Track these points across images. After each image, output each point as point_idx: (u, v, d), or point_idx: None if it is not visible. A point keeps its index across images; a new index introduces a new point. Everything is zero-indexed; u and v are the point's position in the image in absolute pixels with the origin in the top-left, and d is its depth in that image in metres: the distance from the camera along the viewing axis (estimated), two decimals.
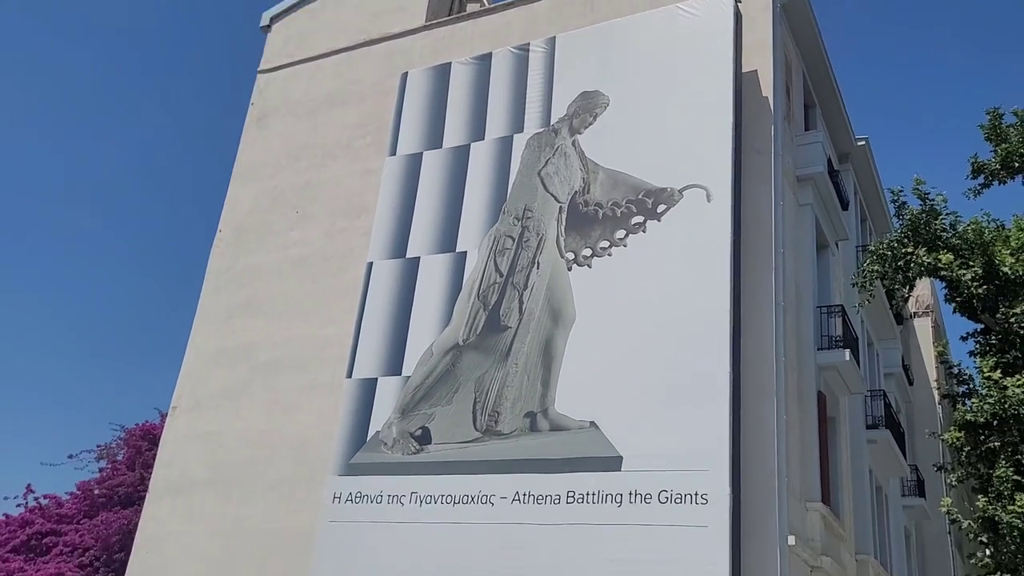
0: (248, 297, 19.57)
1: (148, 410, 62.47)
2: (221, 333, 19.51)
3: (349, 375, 16.10)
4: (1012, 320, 14.63)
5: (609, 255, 14.52)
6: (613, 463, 13.01)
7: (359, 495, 14.84)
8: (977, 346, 16.35)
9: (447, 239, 16.23)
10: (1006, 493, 14.13)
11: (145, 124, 69.85)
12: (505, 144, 16.40)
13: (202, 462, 18.10)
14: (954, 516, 15.22)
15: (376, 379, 15.75)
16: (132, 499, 24.77)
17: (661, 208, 14.38)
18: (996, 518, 13.92)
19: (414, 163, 17.37)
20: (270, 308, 19.08)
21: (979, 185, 15.79)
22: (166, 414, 20.59)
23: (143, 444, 26.10)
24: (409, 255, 16.51)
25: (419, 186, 17.04)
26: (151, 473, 19.55)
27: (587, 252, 14.73)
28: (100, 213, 67.61)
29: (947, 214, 15.21)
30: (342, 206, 19.34)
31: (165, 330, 66.56)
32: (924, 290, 29.89)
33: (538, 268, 14.99)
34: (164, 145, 70.72)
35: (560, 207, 15.31)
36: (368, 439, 15.26)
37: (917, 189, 15.40)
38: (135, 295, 69.12)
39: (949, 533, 27.37)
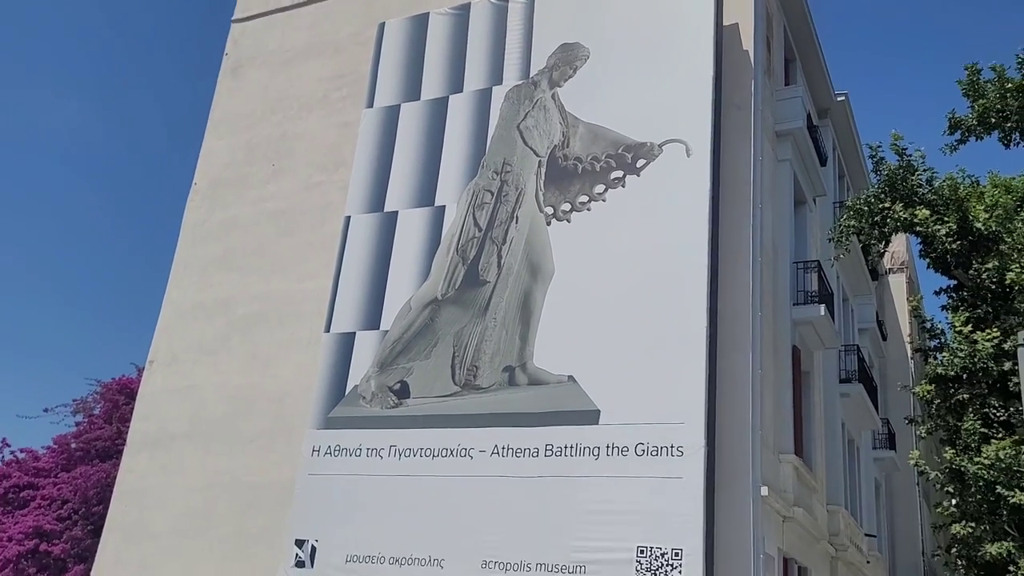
0: (225, 251, 19.41)
1: (124, 364, 62.19)
2: (198, 287, 19.37)
3: (327, 329, 16.07)
4: (984, 275, 14.85)
5: (588, 209, 14.48)
6: (591, 417, 13.12)
7: (338, 448, 14.91)
8: (950, 301, 16.63)
9: (425, 193, 16.11)
10: (972, 445, 14.48)
11: (118, 74, 68.48)
12: (484, 96, 16.22)
13: (180, 416, 18.10)
14: (922, 468, 15.59)
15: (354, 333, 15.74)
16: (109, 453, 24.76)
17: (640, 163, 14.33)
18: (962, 469, 14.29)
19: (391, 115, 17.16)
20: (247, 262, 18.95)
21: (956, 141, 15.86)
22: (143, 368, 20.52)
23: (120, 398, 26.02)
24: (387, 209, 16.40)
25: (397, 139, 16.85)
26: (128, 427, 19.53)
27: (566, 206, 14.68)
28: (73, 165, 66.56)
29: (924, 170, 15.34)
30: (319, 159, 19.13)
31: (141, 284, 66.16)
32: (899, 246, 30.17)
33: (517, 222, 14.94)
34: (138, 96, 69.44)
35: (539, 161, 15.21)
36: (347, 393, 15.29)
37: (895, 144, 15.49)
38: (110, 249, 68.43)
39: (917, 484, 28.05)
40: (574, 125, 15.12)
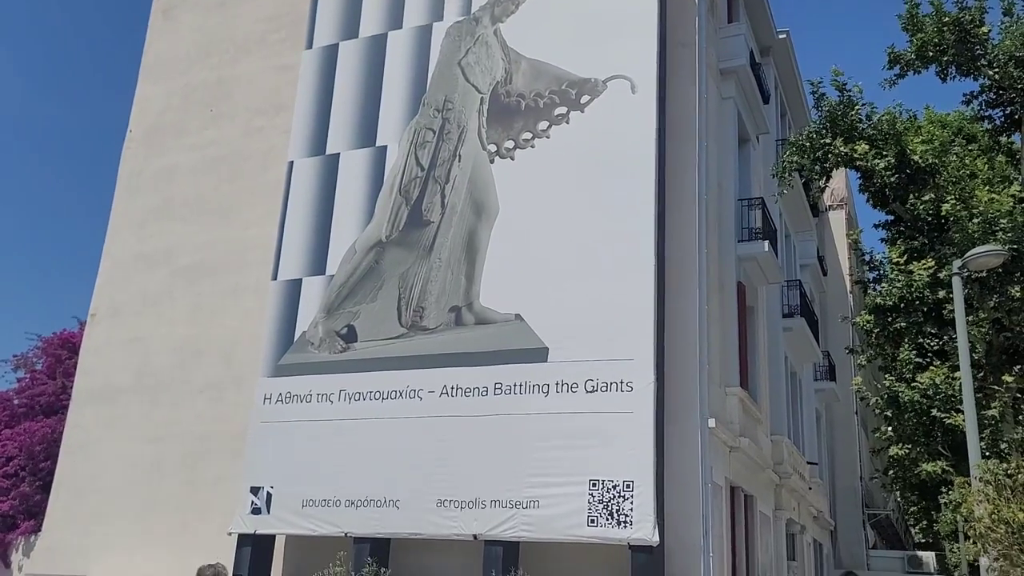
0: (164, 200, 18.98)
1: (66, 318, 60.85)
2: (138, 238, 18.96)
3: (274, 277, 15.87)
4: (920, 208, 15.20)
5: (532, 147, 14.37)
6: (539, 354, 13.22)
7: (289, 395, 14.86)
8: (888, 235, 17.03)
9: (366, 133, 15.83)
10: (907, 375, 15.01)
11: (44, 19, 65.54)
12: (424, 33, 15.89)
13: (126, 369, 17.85)
14: (863, 394, 16.09)
15: (301, 280, 15.57)
16: (54, 408, 24.34)
17: (584, 99, 14.23)
18: (900, 395, 14.79)
19: (331, 55, 16.75)
20: (188, 211, 18.56)
21: (895, 76, 16.07)
22: (84, 322, 20.11)
23: (62, 353, 25.49)
24: (329, 151, 16.10)
25: (336, 79, 16.49)
26: (72, 382, 19.19)
27: (509, 144, 14.55)
28: (1, 114, 63.89)
29: (863, 105, 15.52)
30: (259, 103, 18.69)
31: (80, 236, 64.33)
32: (839, 183, 30.74)
33: (459, 161, 14.79)
34: (67, 42, 66.70)
35: (481, 98, 15.00)
36: (295, 340, 15.18)
37: (835, 80, 15.65)
38: (46, 200, 66.29)
39: (856, 413, 29.07)
40: (516, 61, 14.93)
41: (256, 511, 14.45)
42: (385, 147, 15.54)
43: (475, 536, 12.75)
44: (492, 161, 14.55)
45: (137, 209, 19.23)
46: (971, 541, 10.28)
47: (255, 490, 14.58)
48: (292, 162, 16.48)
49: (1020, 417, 14.62)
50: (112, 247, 19.28)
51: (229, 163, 18.49)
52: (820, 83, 15.96)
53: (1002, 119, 16.33)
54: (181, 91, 19.83)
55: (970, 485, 10.31)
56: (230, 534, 14.49)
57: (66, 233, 66.08)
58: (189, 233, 18.29)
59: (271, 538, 14.59)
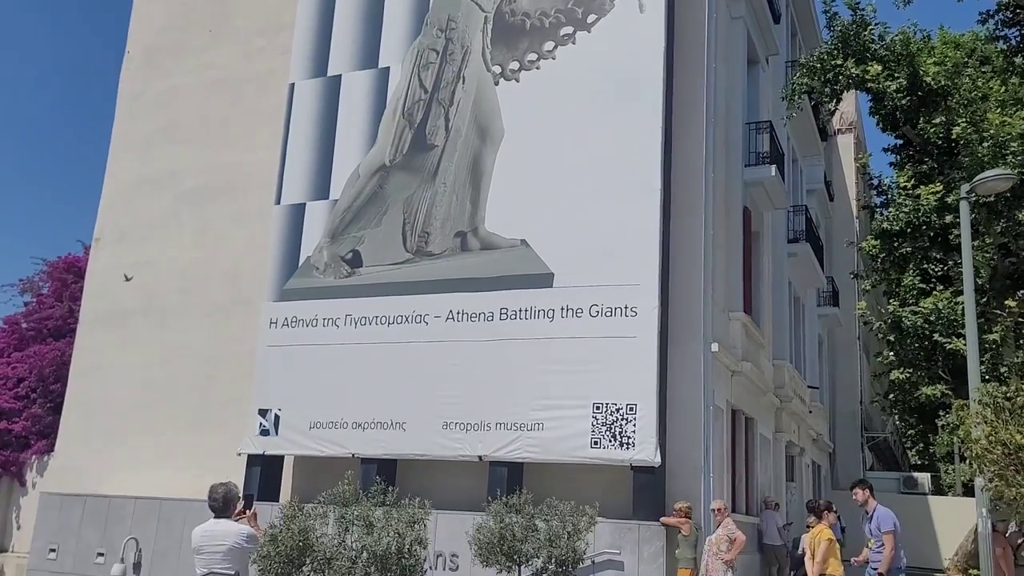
0: (167, 122, 18.80)
1: (71, 242, 60.91)
2: (141, 161, 18.84)
3: (277, 201, 15.82)
4: (931, 131, 14.98)
5: (538, 68, 14.10)
6: (545, 280, 13.25)
7: (295, 319, 14.97)
8: (897, 159, 16.83)
9: (368, 54, 15.55)
10: (910, 300, 15.04)
11: None
12: None
13: (134, 292, 17.96)
14: (867, 318, 16.14)
15: (304, 204, 15.52)
16: (62, 331, 24.56)
17: (591, 18, 13.91)
18: (902, 320, 14.85)
19: None
20: (191, 134, 18.40)
21: None
22: (90, 246, 20.14)
23: (68, 277, 25.58)
24: (331, 73, 15.85)
25: None
26: (80, 305, 19.33)
27: (514, 65, 14.29)
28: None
29: (876, 24, 15.15)
30: (259, 24, 18.34)
31: (82, 159, 63.85)
32: (848, 106, 30.25)
33: (464, 83, 14.55)
34: None
35: (485, 17, 14.66)
36: (300, 264, 15.22)
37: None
38: (45, 122, 65.65)
39: (858, 339, 29.25)
40: None
41: (264, 432, 14.73)
42: (388, 68, 15.28)
43: (480, 457, 13.01)
44: (497, 83, 14.31)
45: (139, 132, 19.06)
46: (967, 462, 10.46)
47: (263, 412, 14.82)
48: (293, 84, 16.24)
49: (1021, 341, 14.69)
50: (115, 170, 19.18)
51: (230, 85, 18.25)
52: (833, 2, 15.55)
53: (1018, 39, 15.95)
54: (180, 9, 19.45)
55: (969, 408, 10.41)
56: (240, 455, 14.80)
57: (69, 156, 65.66)
58: (192, 156, 18.17)
59: (280, 459, 14.91)
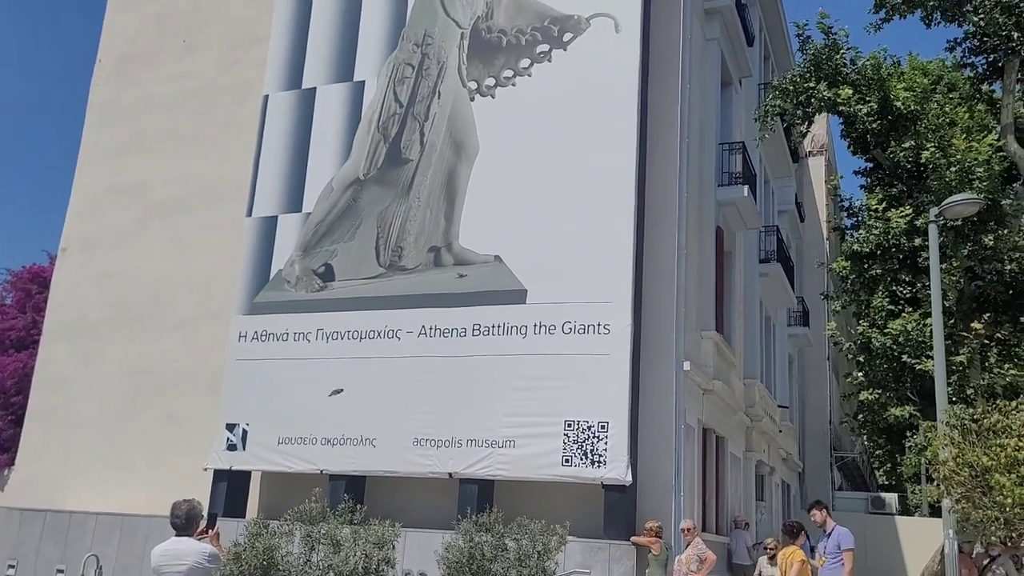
0: (138, 132, 18.59)
1: (35, 252, 59.98)
2: (110, 170, 18.61)
3: (249, 213, 15.67)
4: (900, 155, 15.20)
5: (513, 85, 14.13)
6: (518, 296, 13.22)
7: (265, 333, 14.80)
8: (867, 181, 17.06)
9: (344, 68, 15.50)
10: (879, 322, 15.20)
11: None
12: None
13: (100, 303, 17.68)
14: (837, 339, 16.27)
15: (277, 217, 15.38)
16: (25, 343, 24.15)
17: (567, 36, 13.97)
18: (871, 341, 14.99)
19: None
20: (162, 144, 18.21)
21: (880, 20, 15.87)
22: (55, 256, 19.83)
23: (32, 287, 25.19)
24: (305, 85, 15.77)
25: (313, 11, 16.07)
26: (43, 316, 19.00)
27: (490, 81, 14.31)
28: None
29: (848, 49, 15.37)
30: (234, 35, 18.24)
31: (48, 167, 62.98)
32: (820, 129, 30.66)
33: (439, 98, 14.53)
34: None
35: (462, 33, 14.68)
36: (271, 277, 15.07)
37: (821, 23, 15.44)
38: (9, 130, 64.72)
39: (828, 358, 29.50)
40: None
41: (232, 447, 14.51)
42: (363, 82, 15.24)
43: (451, 474, 12.90)
44: (472, 99, 14.31)
45: (109, 141, 18.84)
46: (935, 483, 10.54)
47: (231, 427, 14.61)
48: (267, 96, 16.14)
49: (987, 364, 14.88)
50: (83, 179, 18.92)
51: (203, 96, 18.10)
52: (806, 26, 15.77)
53: (984, 67, 16.24)
54: (153, 19, 19.29)
55: (936, 429, 10.51)
56: (206, 470, 14.57)
57: (35, 165, 64.78)
58: (163, 167, 17.97)
59: (247, 474, 14.69)
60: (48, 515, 15.85)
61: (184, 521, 6.22)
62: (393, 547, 9.93)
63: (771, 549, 12.75)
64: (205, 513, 6.48)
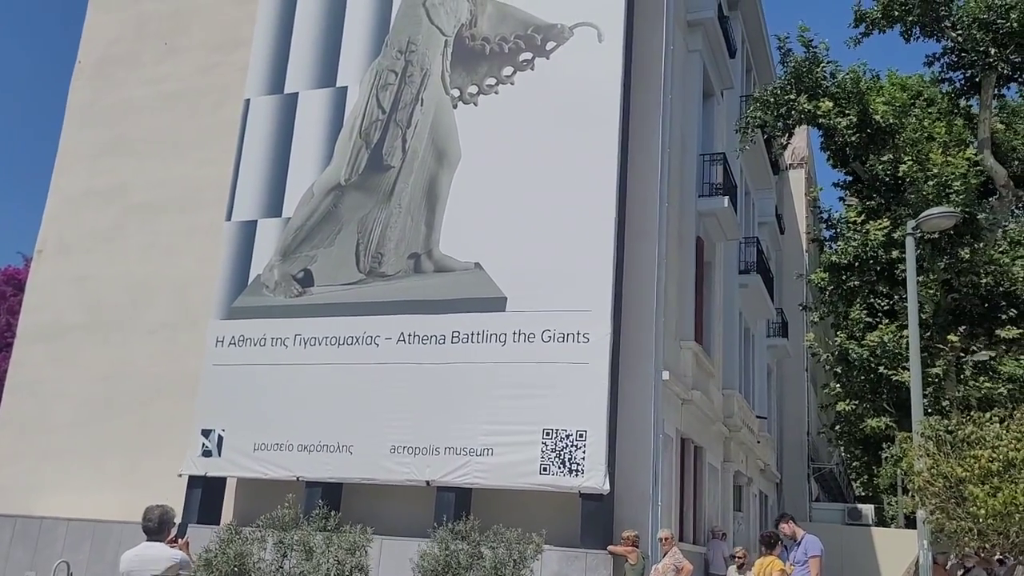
0: (117, 135, 18.43)
1: (10, 254, 59.30)
2: (88, 173, 18.43)
3: (228, 217, 15.56)
4: (879, 168, 15.34)
5: (496, 93, 14.14)
6: (498, 304, 13.19)
7: (242, 338, 14.68)
8: (846, 194, 17.21)
9: (327, 73, 15.45)
10: (857, 334, 15.31)
11: None
12: None
13: (76, 306, 17.48)
14: (815, 350, 16.37)
15: (256, 221, 15.28)
16: None
17: (550, 45, 14.00)
18: (849, 352, 15.09)
19: None
20: (142, 147, 18.06)
21: (860, 34, 16.07)
22: (31, 258, 19.61)
23: (7, 289, 24.90)
24: (287, 90, 15.71)
25: (296, 15, 16.01)
26: (18, 319, 18.76)
27: (473, 89, 14.31)
28: None
29: (828, 62, 15.53)
30: (216, 38, 18.13)
31: (24, 168, 62.35)
32: (800, 142, 30.91)
33: (422, 105, 14.52)
34: None
35: (445, 40, 14.69)
36: (250, 282, 14.96)
37: (802, 36, 15.60)
38: None
39: (806, 370, 29.68)
40: (482, 4, 14.60)
41: (207, 453, 14.37)
42: (346, 88, 15.19)
43: (428, 482, 12.83)
44: (455, 106, 14.30)
45: (88, 143, 18.66)
46: (910, 495, 10.60)
47: (206, 432, 14.47)
48: (248, 100, 16.06)
49: (963, 376, 15.01)
50: (61, 182, 18.73)
51: (184, 99, 17.98)
52: (787, 39, 15.95)
53: (962, 82, 16.48)
54: (134, 21, 19.15)
55: (912, 440, 10.58)
56: (180, 476, 14.42)
57: (11, 166, 64.11)
58: (143, 169, 17.83)
59: (222, 481, 14.55)
60: (18, 521, 15.62)
61: (156, 525, 6.14)
62: (366, 553, 9.83)
63: (739, 558, 12.71)
64: (178, 521, 6.40)
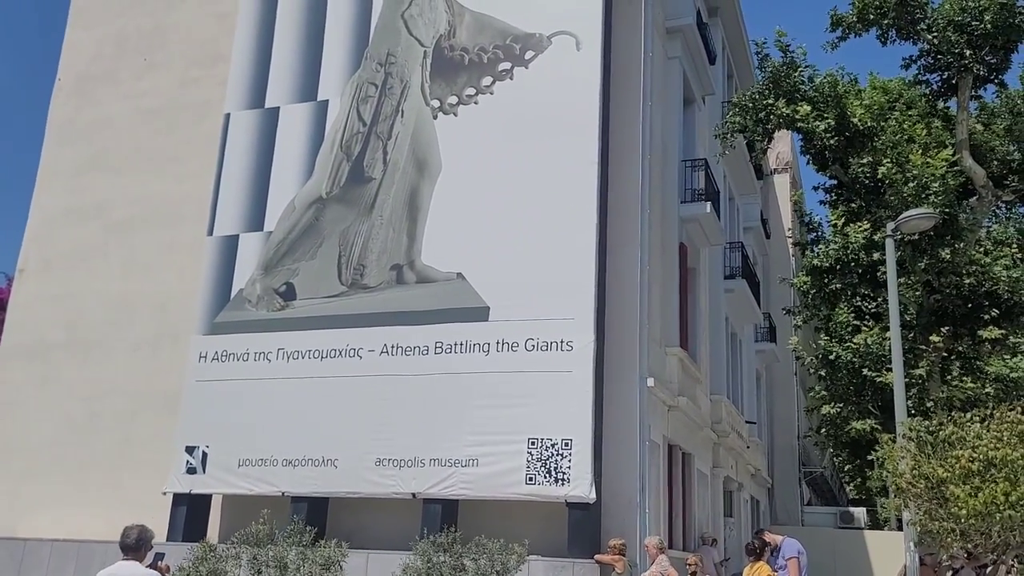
0: (97, 151, 18.36)
1: None
2: (69, 190, 18.34)
3: (210, 232, 15.50)
4: (859, 171, 15.40)
5: (475, 103, 14.15)
6: (481, 313, 13.15)
7: (225, 353, 14.60)
8: (828, 197, 17.27)
9: (307, 87, 15.44)
10: (844, 336, 15.33)
11: None
12: None
13: (57, 324, 17.36)
14: (799, 353, 16.39)
15: (238, 236, 15.23)
16: None
17: (529, 54, 14.02)
18: (833, 354, 15.10)
19: (270, 4, 16.24)
20: (122, 163, 17.99)
21: (837, 38, 16.16)
22: (12, 277, 19.48)
23: None
24: (268, 105, 15.68)
25: (276, 30, 16.00)
26: (0, 339, 18.62)
27: (453, 100, 14.32)
28: None
29: (805, 67, 15.60)
30: (195, 53, 18.10)
31: (5, 188, 62.01)
32: (784, 147, 31.04)
33: (402, 116, 14.52)
34: None
35: (425, 52, 14.70)
36: (232, 297, 14.89)
37: (779, 41, 15.68)
38: None
39: (795, 374, 29.73)
40: (460, 14, 14.64)
41: (191, 470, 14.26)
42: (326, 101, 15.18)
43: (414, 495, 12.76)
44: (435, 117, 14.30)
45: (68, 160, 18.58)
46: (894, 496, 10.59)
47: (190, 449, 14.37)
48: (228, 114, 16.03)
49: (946, 376, 15.05)
50: (41, 199, 18.63)
51: (164, 115, 17.93)
52: (764, 44, 16.03)
53: (939, 84, 16.58)
54: (113, 38, 19.11)
55: (895, 442, 10.58)
56: (165, 493, 14.30)
57: None
58: (123, 186, 17.75)
59: (207, 498, 14.44)
60: (2, 543, 15.45)
61: (134, 542, 6.10)
62: (340, 568, 9.76)
63: (691, 565, 12.44)
64: (153, 549, 6.33)
